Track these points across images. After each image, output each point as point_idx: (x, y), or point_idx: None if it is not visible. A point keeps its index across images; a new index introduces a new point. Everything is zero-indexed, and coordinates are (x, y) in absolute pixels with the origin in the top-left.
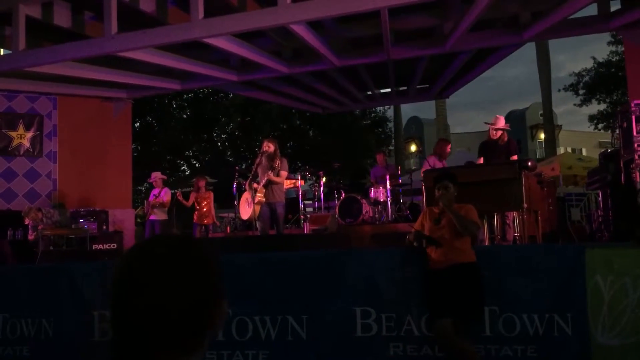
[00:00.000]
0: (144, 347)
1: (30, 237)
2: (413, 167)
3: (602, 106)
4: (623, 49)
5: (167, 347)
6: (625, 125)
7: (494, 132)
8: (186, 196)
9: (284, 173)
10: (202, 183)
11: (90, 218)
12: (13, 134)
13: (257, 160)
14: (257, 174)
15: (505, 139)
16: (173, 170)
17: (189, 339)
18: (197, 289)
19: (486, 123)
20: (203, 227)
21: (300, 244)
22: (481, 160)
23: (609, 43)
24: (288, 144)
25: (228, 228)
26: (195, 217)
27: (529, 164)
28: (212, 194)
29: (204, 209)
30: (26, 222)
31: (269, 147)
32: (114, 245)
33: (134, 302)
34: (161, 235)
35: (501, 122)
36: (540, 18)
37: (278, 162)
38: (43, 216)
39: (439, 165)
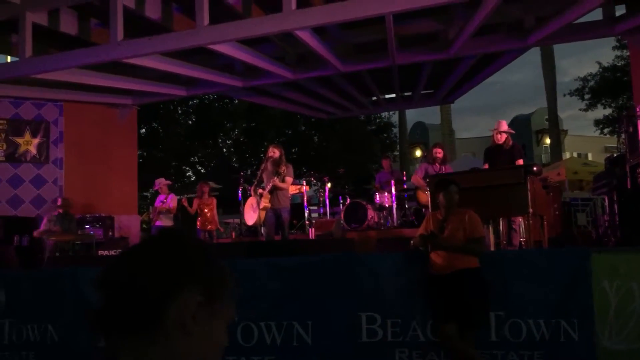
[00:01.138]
0: (106, 327)
1: (36, 234)
2: None
3: (608, 111)
4: (628, 53)
5: (121, 327)
6: (631, 129)
7: (498, 136)
8: (191, 202)
9: (290, 179)
10: (205, 189)
11: (96, 224)
12: (20, 140)
13: (263, 166)
14: (262, 179)
15: (510, 143)
16: (178, 176)
17: (140, 319)
18: (158, 271)
19: (490, 130)
20: (207, 233)
21: (305, 250)
22: (486, 167)
23: (614, 48)
24: (293, 150)
25: (233, 233)
26: (198, 223)
27: (535, 168)
28: (215, 200)
29: (207, 215)
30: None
31: (275, 152)
32: (119, 251)
33: (102, 280)
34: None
35: (504, 126)
36: (544, 23)
37: (283, 168)
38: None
39: (431, 170)
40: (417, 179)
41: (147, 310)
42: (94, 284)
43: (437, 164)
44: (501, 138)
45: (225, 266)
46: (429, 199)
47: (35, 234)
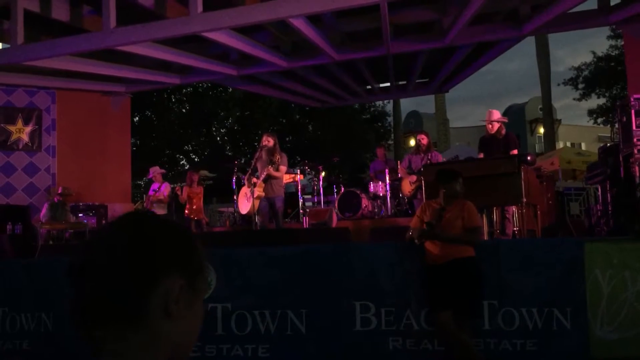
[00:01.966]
0: (88, 318)
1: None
2: None
3: (602, 100)
4: (623, 43)
5: (104, 316)
6: (624, 119)
7: (489, 125)
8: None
9: (284, 168)
10: (195, 177)
11: (90, 212)
12: (12, 128)
13: (257, 155)
14: (256, 168)
15: (503, 132)
16: (172, 164)
17: (124, 307)
18: (140, 256)
19: (482, 120)
20: (195, 222)
21: (299, 239)
22: (481, 156)
23: (608, 37)
24: (287, 138)
25: (227, 222)
26: (186, 211)
27: (529, 158)
28: (202, 189)
29: (194, 203)
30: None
31: (269, 141)
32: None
33: (75, 269)
34: (127, 213)
35: (495, 115)
36: (539, 12)
37: (278, 156)
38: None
39: (414, 159)
40: (401, 169)
41: (132, 297)
42: (69, 273)
43: (421, 153)
44: (493, 128)
45: (200, 244)
46: (423, 188)
47: (42, 218)
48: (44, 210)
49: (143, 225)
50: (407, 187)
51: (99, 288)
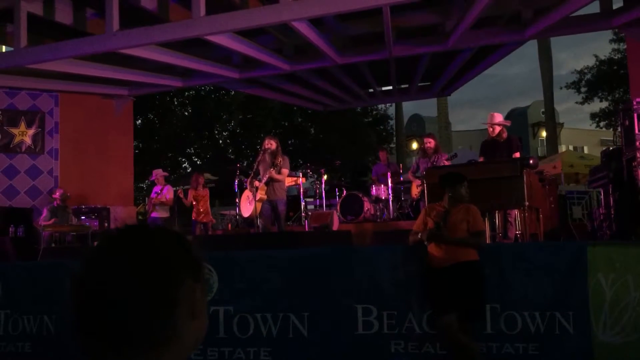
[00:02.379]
0: (107, 345)
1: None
2: None
3: (604, 104)
4: (625, 46)
5: (129, 341)
6: (627, 123)
7: (491, 128)
8: (186, 193)
9: (286, 170)
10: (201, 180)
11: (92, 215)
12: (15, 131)
13: (259, 158)
14: (258, 171)
15: (505, 135)
16: (174, 167)
17: (149, 329)
18: (147, 274)
19: (483, 123)
20: (202, 225)
21: (301, 242)
22: (482, 160)
23: (611, 41)
24: (289, 142)
25: (229, 225)
26: (194, 214)
27: (531, 161)
28: (208, 191)
29: (202, 206)
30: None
31: (271, 144)
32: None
33: (84, 296)
34: (117, 229)
35: (497, 118)
36: (542, 15)
37: (280, 159)
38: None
39: (422, 162)
40: (410, 173)
41: (161, 315)
42: (79, 299)
43: (428, 156)
44: (494, 131)
45: (196, 244)
46: (426, 191)
47: (41, 222)
48: (44, 214)
49: (147, 244)
50: (414, 190)
51: (123, 311)
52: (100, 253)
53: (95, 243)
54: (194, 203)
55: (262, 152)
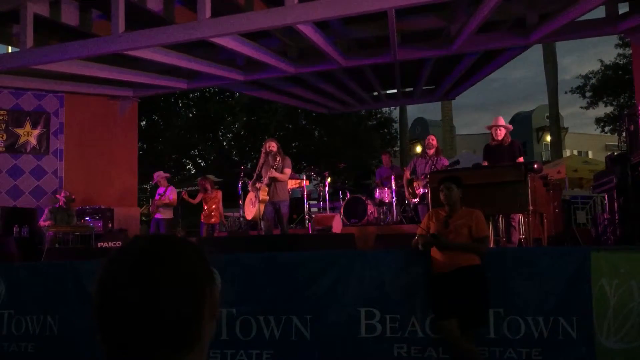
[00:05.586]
0: (139, 348)
1: (42, 223)
2: None
3: (609, 109)
4: (630, 51)
5: (164, 344)
6: (632, 128)
7: (495, 131)
8: (192, 195)
9: (288, 170)
10: (207, 185)
11: (96, 216)
12: (20, 131)
13: (261, 161)
14: (261, 174)
15: (509, 140)
16: (178, 169)
17: (183, 332)
18: (184, 281)
19: (487, 127)
20: (209, 227)
21: (304, 244)
22: (485, 164)
23: (616, 45)
24: (293, 144)
25: (233, 227)
26: (202, 216)
27: (535, 166)
28: (220, 193)
29: (213, 208)
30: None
31: (272, 146)
32: (119, 243)
33: (122, 302)
34: (142, 236)
35: (501, 121)
36: (547, 20)
37: (281, 159)
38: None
39: (420, 162)
40: (405, 173)
41: (191, 322)
42: (108, 311)
43: (426, 157)
44: (500, 134)
45: (205, 250)
46: (429, 195)
47: (40, 222)
48: (44, 215)
49: (178, 254)
50: (406, 193)
51: (160, 319)
52: (131, 264)
53: (117, 251)
54: (204, 205)
55: (264, 154)
